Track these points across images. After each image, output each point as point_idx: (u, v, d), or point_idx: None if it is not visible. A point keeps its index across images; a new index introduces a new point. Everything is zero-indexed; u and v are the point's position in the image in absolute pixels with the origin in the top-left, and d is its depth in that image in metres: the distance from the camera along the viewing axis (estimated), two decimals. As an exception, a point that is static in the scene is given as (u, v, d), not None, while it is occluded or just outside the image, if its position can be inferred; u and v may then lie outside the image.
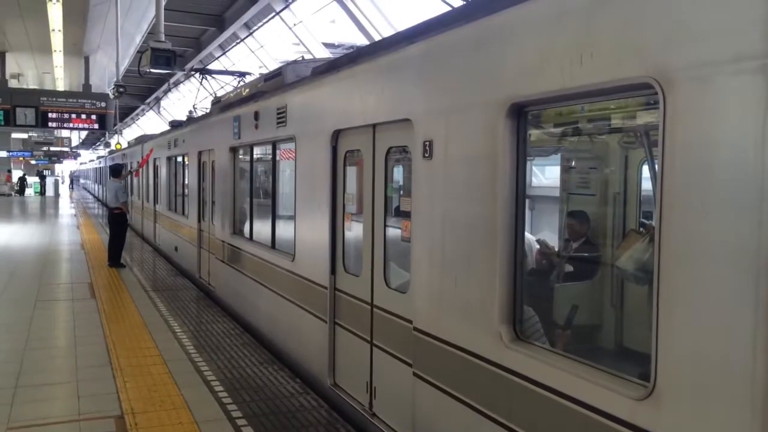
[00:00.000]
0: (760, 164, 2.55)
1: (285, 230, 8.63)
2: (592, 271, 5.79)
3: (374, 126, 5.91)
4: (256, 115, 9.35)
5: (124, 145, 34.17)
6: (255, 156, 10.29)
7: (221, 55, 28.82)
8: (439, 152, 4.75)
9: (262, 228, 9.86)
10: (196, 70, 17.69)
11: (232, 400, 6.71)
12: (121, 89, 21.19)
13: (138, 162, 22.07)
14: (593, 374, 3.42)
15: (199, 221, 13.61)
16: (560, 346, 4.61)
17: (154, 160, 19.73)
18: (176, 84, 34.50)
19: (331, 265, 6.73)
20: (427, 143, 4.86)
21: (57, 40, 23.88)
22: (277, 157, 9.34)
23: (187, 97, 34.66)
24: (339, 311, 6.68)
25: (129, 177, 23.38)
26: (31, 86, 34.17)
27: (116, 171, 16.30)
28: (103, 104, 22.34)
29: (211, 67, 27.39)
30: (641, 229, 5.67)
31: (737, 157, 2.64)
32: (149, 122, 53.74)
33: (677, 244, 2.88)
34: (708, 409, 2.77)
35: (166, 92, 41.52)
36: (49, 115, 21.70)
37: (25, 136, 55.82)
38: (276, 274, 8.54)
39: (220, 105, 12.24)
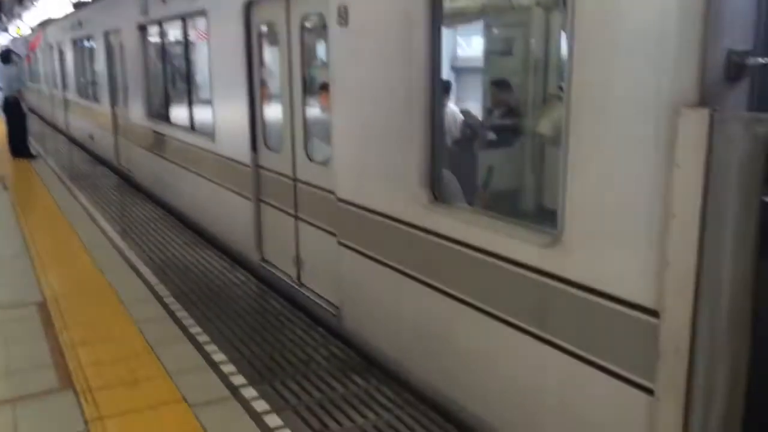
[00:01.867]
0: (660, 10, 2.55)
1: (204, 111, 8.37)
2: (514, 138, 5.84)
3: None
4: None
5: (27, 31, 31.92)
6: (166, 34, 9.81)
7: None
8: (354, 19, 4.59)
9: (179, 110, 9.55)
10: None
11: (159, 280, 6.65)
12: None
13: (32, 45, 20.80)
14: (506, 228, 3.57)
15: (112, 107, 13.08)
16: (479, 206, 4.74)
17: (59, 44, 18.61)
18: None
19: (252, 143, 6.66)
20: (342, 9, 4.67)
21: None
22: (190, 35, 8.94)
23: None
24: (263, 188, 6.67)
25: (27, 64, 22.04)
26: None
27: (5, 56, 15.20)
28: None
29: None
30: (561, 94, 5.69)
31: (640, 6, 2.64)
32: (51, 4, 50.06)
33: (585, 97, 2.90)
34: (610, 250, 2.88)
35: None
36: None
37: None
38: (197, 155, 8.38)
39: None
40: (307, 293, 5.88)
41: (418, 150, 4.10)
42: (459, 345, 4.00)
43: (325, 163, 5.46)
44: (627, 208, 2.77)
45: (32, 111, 25.22)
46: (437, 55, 4.00)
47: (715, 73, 2.47)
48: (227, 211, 7.61)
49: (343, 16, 4.68)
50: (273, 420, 4.11)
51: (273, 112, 6.47)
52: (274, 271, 6.54)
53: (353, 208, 4.89)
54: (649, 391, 2.78)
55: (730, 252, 2.41)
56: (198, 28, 8.64)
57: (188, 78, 9.11)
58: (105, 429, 4.03)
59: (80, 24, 15.51)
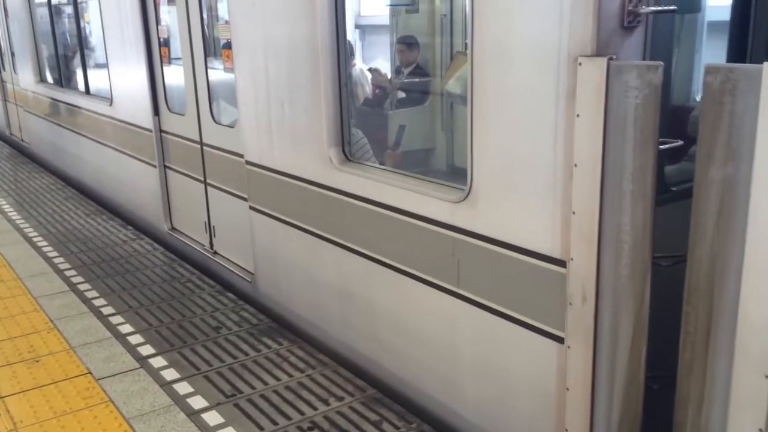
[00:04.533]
0: None
1: (100, 74, 7.90)
2: (423, 96, 5.82)
3: None
4: None
5: None
6: None
7: None
8: None
9: (72, 73, 9.10)
10: None
11: (58, 253, 6.36)
12: None
13: None
14: (417, 185, 3.55)
15: None
16: (391, 166, 4.70)
17: None
18: None
19: (154, 106, 6.35)
20: None
21: None
22: None
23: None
24: (168, 154, 6.40)
25: None
26: None
27: None
28: None
29: None
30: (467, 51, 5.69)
31: None
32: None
33: (487, 51, 2.90)
34: (517, 203, 2.92)
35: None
36: None
37: None
38: (95, 121, 7.93)
39: None
40: (221, 261, 5.70)
41: (327, 109, 4.00)
42: (375, 305, 3.99)
43: (232, 125, 5.27)
44: (531, 160, 2.78)
45: None
46: (341, 10, 3.91)
47: (611, 22, 2.51)
48: (131, 180, 7.27)
49: None
50: (183, 387, 4.03)
51: (175, 73, 6.16)
52: (184, 240, 6.31)
53: (263, 171, 4.76)
54: (560, 340, 2.85)
55: (629, 199, 2.48)
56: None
57: (80, 39, 8.59)
58: (7, 408, 3.85)
59: None
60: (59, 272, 5.89)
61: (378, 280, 3.89)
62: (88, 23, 8.72)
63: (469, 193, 3.14)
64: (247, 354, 4.43)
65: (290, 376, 4.15)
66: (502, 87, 2.86)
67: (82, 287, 5.57)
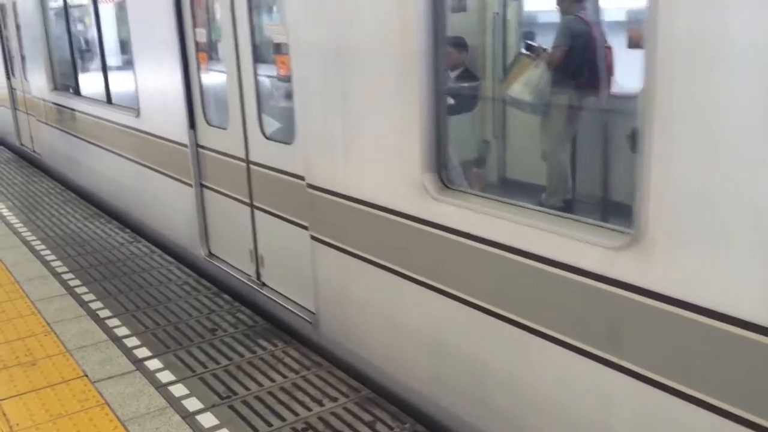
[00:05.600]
0: None
1: (123, 81, 7.31)
2: (472, 101, 5.26)
3: None
4: None
5: None
6: None
7: None
8: None
9: (91, 81, 8.33)
10: None
11: (56, 256, 6.41)
12: None
13: None
14: (551, 223, 2.87)
15: (8, 78, 11.67)
16: (478, 188, 4.12)
17: None
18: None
19: (189, 119, 5.68)
20: None
21: None
22: None
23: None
24: (206, 172, 5.71)
25: None
26: None
27: None
28: None
29: None
30: (529, 53, 5.16)
31: None
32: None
33: (682, 45, 2.28)
34: (718, 251, 2.27)
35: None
36: None
37: None
38: (118, 133, 7.23)
39: None
40: (271, 295, 5.04)
41: (422, 125, 3.34)
42: (485, 363, 3.32)
43: (287, 142, 4.59)
44: (746, 197, 2.16)
45: None
46: (441, 7, 3.28)
47: None
48: (161, 199, 6.59)
49: None
50: (179, 389, 4.06)
51: (216, 81, 5.58)
52: (225, 268, 5.62)
53: (331, 197, 4.08)
54: None
55: None
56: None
57: (101, 43, 7.81)
58: (3, 411, 3.89)
59: None
60: (57, 275, 5.92)
61: (490, 334, 3.24)
62: (108, 25, 8.07)
63: (637, 238, 2.45)
64: (242, 355, 4.46)
65: (285, 377, 4.18)
66: (707, 97, 2.19)
67: (79, 290, 5.60)
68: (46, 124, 9.89)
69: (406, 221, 3.53)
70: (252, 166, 5.01)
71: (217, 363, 4.37)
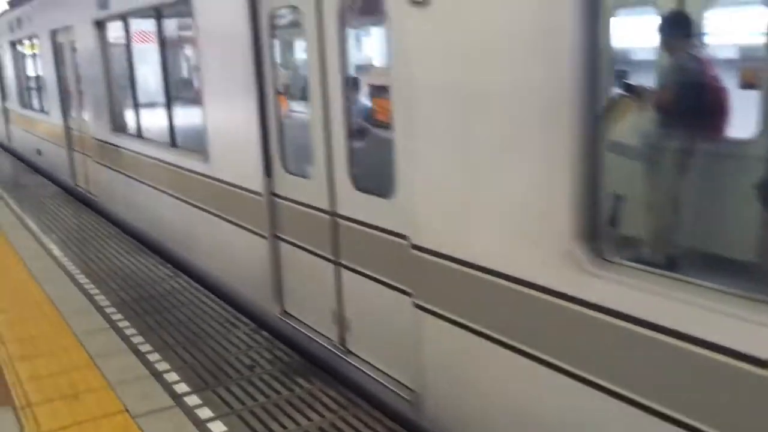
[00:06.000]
0: None
1: (189, 123, 7.08)
2: None
3: None
4: None
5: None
6: (133, 29, 8.34)
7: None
8: None
9: (154, 122, 8.05)
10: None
11: (100, 290, 6.54)
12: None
13: None
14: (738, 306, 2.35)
15: (65, 118, 11.49)
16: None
17: None
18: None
19: (265, 165, 5.27)
20: None
21: None
22: (165, 29, 7.39)
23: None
24: (281, 223, 5.29)
25: None
26: None
27: None
28: None
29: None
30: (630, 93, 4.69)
31: None
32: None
33: None
34: None
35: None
36: None
37: None
38: (183, 178, 6.89)
39: None
40: (359, 365, 4.54)
41: (572, 182, 2.79)
42: None
43: (380, 192, 4.15)
44: None
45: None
46: (595, 46, 2.75)
47: None
48: (229, 249, 6.18)
49: None
50: (217, 426, 4.09)
51: (295, 123, 5.24)
52: (301, 328, 5.17)
53: (443, 261, 3.55)
54: None
55: None
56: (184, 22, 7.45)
57: (166, 83, 7.47)
58: (45, 444, 3.97)
59: (19, 22, 13.82)
60: (100, 309, 6.05)
61: None
62: (173, 65, 8.01)
63: None
64: (279, 393, 4.49)
65: (322, 416, 4.19)
66: None
67: (121, 324, 5.71)
68: (105, 165, 9.63)
69: (548, 297, 2.98)
70: (338, 220, 4.58)
71: (255, 400, 4.41)
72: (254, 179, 5.39)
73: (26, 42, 13.94)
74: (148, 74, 8.39)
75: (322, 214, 4.71)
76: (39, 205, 10.58)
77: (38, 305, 6.19)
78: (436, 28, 3.34)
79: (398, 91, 3.73)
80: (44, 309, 6.08)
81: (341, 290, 4.68)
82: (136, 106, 8.49)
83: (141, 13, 7.66)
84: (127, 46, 8.42)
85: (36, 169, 14.31)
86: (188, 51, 7.80)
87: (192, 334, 5.48)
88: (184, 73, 7.85)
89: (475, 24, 3.15)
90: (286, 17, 5.13)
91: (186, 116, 7.19)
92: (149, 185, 7.94)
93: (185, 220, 7.04)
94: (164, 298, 6.29)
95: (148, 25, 7.87)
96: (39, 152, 14.07)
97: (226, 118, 5.83)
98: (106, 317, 5.86)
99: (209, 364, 4.94)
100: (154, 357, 5.07)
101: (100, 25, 8.88)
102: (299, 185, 4.99)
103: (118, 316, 5.88)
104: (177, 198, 7.12)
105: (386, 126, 3.98)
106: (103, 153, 9.59)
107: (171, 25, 7.80)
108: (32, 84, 14.44)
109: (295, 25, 4.95)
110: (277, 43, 5.09)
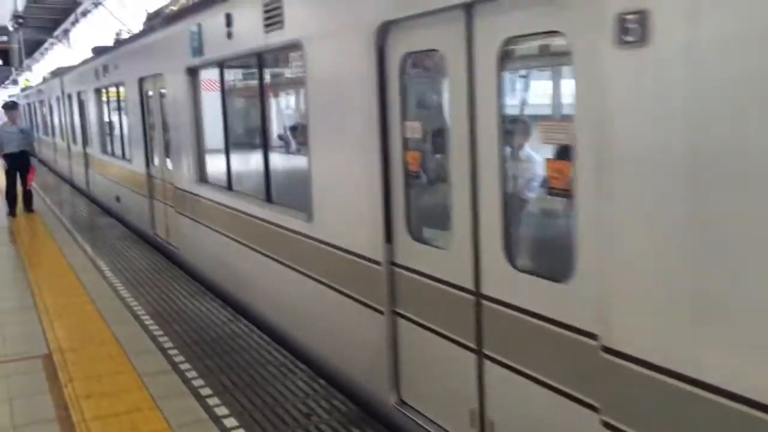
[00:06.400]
0: None
1: (286, 176, 6.70)
2: None
3: (470, 4, 3.68)
4: (228, 20, 6.91)
5: (35, 82, 32.32)
6: (227, 76, 7.93)
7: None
8: (665, 32, 2.57)
9: (246, 174, 7.52)
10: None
11: (163, 332, 6.72)
12: (21, 20, 19.92)
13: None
14: None
15: (147, 166, 11.17)
16: None
17: (79, 93, 16.98)
18: (84, 14, 32.76)
19: (386, 231, 4.63)
20: (632, 18, 2.68)
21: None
22: (266, 76, 6.86)
23: (102, 25, 32.94)
24: (402, 297, 4.59)
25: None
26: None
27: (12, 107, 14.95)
28: (5, 38, 21.11)
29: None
30: None
31: None
32: (60, 57, 51.13)
33: None
34: None
35: (74, 23, 39.46)
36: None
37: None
38: (281, 238, 6.22)
39: (164, 17, 10.16)
40: None
41: None
42: None
43: (547, 274, 3.44)
44: None
45: (45, 165, 24.95)
46: None
47: None
48: (333, 322, 5.48)
49: (635, 31, 2.67)
50: (274, 474, 4.14)
51: (424, 181, 4.56)
52: (424, 424, 4.42)
53: (655, 375, 2.73)
54: None
55: None
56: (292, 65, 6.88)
57: (264, 135, 6.90)
58: (108, 484, 4.07)
59: (105, 70, 13.73)
60: (163, 351, 6.21)
61: None
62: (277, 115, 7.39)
63: None
64: (335, 443, 4.52)
65: (377, 468, 4.20)
66: None
67: (183, 366, 5.84)
68: (189, 217, 9.13)
69: None
70: (485, 302, 3.84)
71: (312, 449, 4.44)
72: (370, 245, 4.75)
73: (112, 89, 13.91)
74: (245, 121, 8.22)
75: (462, 293, 3.98)
76: (110, 246, 10.94)
77: (105, 344, 6.39)
78: (657, 73, 2.64)
79: (583, 152, 3.05)
80: (110, 349, 6.28)
81: (483, 387, 3.91)
82: (228, 154, 7.94)
83: (240, 58, 7.22)
84: (222, 93, 7.94)
85: (115, 217, 14.02)
86: (282, 98, 7.56)
87: (251, 378, 5.56)
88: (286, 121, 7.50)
89: (717, 69, 2.42)
90: (418, 59, 4.47)
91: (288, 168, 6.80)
92: (239, 242, 7.34)
93: (278, 283, 6.45)
94: (225, 342, 6.41)
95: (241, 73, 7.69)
96: (118, 199, 13.93)
97: (337, 173, 5.20)
98: (169, 358, 6.00)
99: (267, 410, 5.00)
100: (213, 401, 5.16)
101: (192, 71, 8.50)
102: (430, 256, 4.27)
103: (180, 358, 6.01)
104: (270, 257, 6.53)
105: (561, 194, 3.35)
106: (187, 204, 9.14)
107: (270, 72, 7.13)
108: (115, 131, 14.30)
109: (434, 69, 4.35)
110: (408, 90, 4.49)
